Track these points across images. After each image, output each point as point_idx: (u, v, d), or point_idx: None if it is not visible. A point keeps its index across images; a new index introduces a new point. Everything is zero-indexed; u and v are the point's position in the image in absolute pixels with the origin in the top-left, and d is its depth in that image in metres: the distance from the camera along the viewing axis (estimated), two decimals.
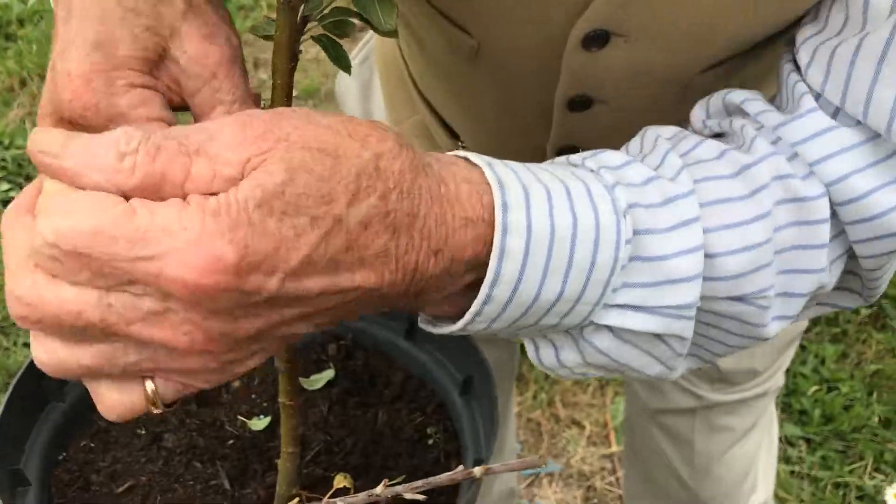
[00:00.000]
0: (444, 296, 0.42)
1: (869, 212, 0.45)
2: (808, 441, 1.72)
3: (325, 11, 0.45)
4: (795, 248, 0.46)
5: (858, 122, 0.46)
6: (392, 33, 0.44)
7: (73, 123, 0.41)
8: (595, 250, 0.41)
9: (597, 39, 0.54)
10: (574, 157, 0.48)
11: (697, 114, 0.53)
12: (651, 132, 0.51)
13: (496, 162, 0.42)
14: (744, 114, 0.50)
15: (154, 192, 0.33)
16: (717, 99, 0.52)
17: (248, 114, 0.35)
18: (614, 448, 1.76)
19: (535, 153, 0.69)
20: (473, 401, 0.67)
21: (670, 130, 0.51)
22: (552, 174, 0.43)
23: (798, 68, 0.50)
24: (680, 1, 0.50)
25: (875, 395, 1.79)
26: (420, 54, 0.70)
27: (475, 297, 0.40)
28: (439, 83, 0.71)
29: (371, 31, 0.95)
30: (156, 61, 0.42)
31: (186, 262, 0.32)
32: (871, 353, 1.87)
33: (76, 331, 0.34)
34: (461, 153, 0.44)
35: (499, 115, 0.67)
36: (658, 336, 0.45)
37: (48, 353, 0.35)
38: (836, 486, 1.65)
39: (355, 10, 0.44)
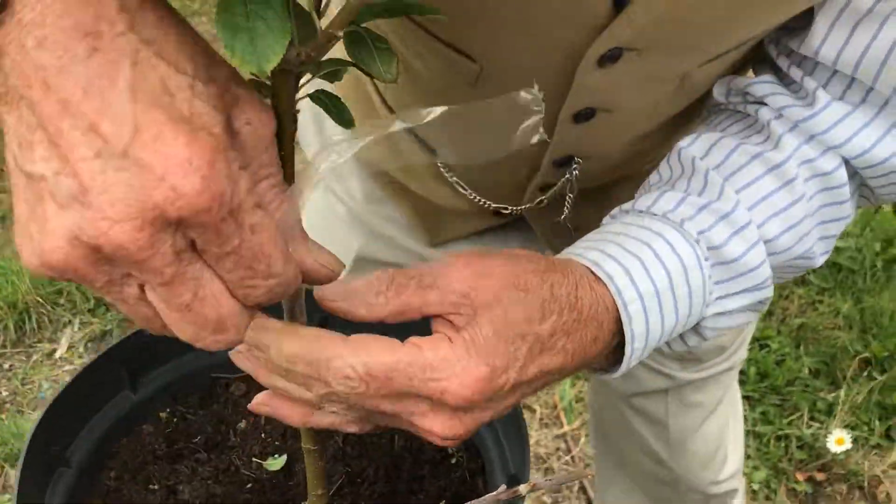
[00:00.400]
0: (604, 356, 0.54)
1: (889, 169, 0.57)
2: (748, 399, 1.80)
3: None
4: (825, 206, 0.59)
5: (863, 100, 0.56)
6: (393, 81, 0.42)
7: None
8: (688, 279, 0.54)
9: (611, 57, 0.54)
10: (640, 206, 0.58)
11: (719, 90, 0.63)
12: (685, 154, 0.59)
13: (601, 260, 0.53)
14: (769, 107, 0.59)
15: (399, 317, 0.47)
16: (738, 83, 0.61)
17: (468, 255, 0.49)
18: (566, 428, 1.79)
19: (527, 165, 0.69)
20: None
21: (701, 147, 0.59)
22: (635, 239, 0.55)
23: (796, 62, 0.57)
24: (694, 13, 0.51)
25: (802, 347, 1.88)
26: (405, 81, 0.68)
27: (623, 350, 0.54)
28: (423, 105, 0.70)
29: None
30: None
31: (463, 382, 0.45)
32: (794, 307, 1.96)
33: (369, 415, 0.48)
34: (584, 261, 0.54)
35: None
36: (753, 303, 0.58)
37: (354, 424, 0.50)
38: (778, 438, 1.73)
39: (351, 60, 0.42)
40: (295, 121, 0.42)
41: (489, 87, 0.60)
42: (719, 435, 1.07)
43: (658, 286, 0.53)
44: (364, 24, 0.41)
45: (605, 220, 0.61)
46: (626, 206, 0.60)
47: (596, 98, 0.59)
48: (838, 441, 1.62)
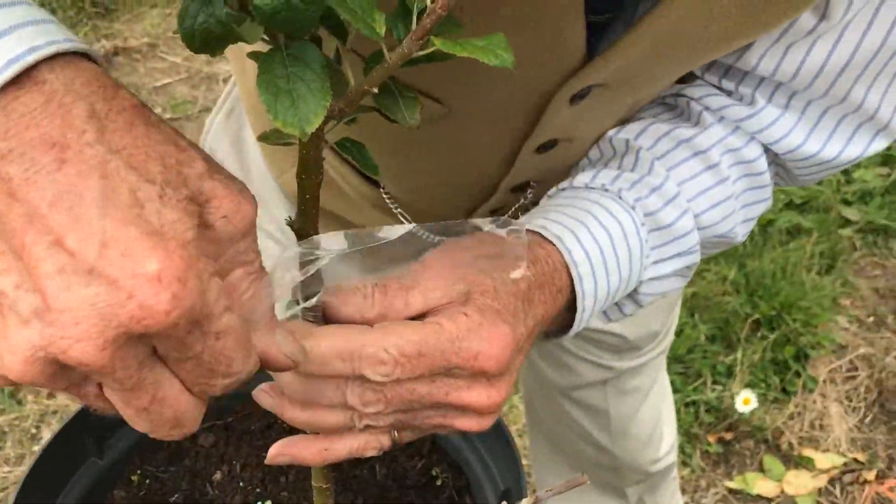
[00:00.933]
0: (557, 317, 0.57)
1: (816, 161, 0.64)
2: None
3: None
4: (748, 190, 0.65)
5: (788, 103, 0.62)
6: (416, 126, 0.43)
7: None
8: (628, 242, 0.59)
9: (581, 95, 0.56)
10: (578, 183, 0.63)
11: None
12: (616, 138, 0.63)
13: (548, 225, 0.57)
14: (702, 104, 0.64)
15: (384, 318, 0.48)
16: (675, 87, 0.66)
17: (434, 253, 0.51)
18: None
19: (482, 193, 0.70)
20: (471, 433, 0.68)
21: (632, 131, 0.63)
22: (577, 209, 0.59)
23: (726, 74, 0.63)
24: (663, 57, 0.54)
25: (697, 316, 1.98)
26: (360, 121, 0.67)
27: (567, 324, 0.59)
28: (373, 143, 0.69)
29: (232, 80, 0.90)
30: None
31: (493, 343, 0.47)
32: None
33: (407, 407, 0.48)
34: (531, 226, 0.57)
35: (454, 166, 0.67)
36: (682, 268, 0.64)
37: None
38: (687, 405, 1.82)
39: (375, 106, 0.43)
40: (321, 170, 0.42)
41: (454, 125, 0.60)
42: (656, 414, 1.11)
43: (602, 247, 0.57)
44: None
45: (543, 200, 0.64)
46: (564, 184, 0.64)
47: (561, 131, 0.61)
48: (745, 401, 1.72)
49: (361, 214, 0.80)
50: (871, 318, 2.02)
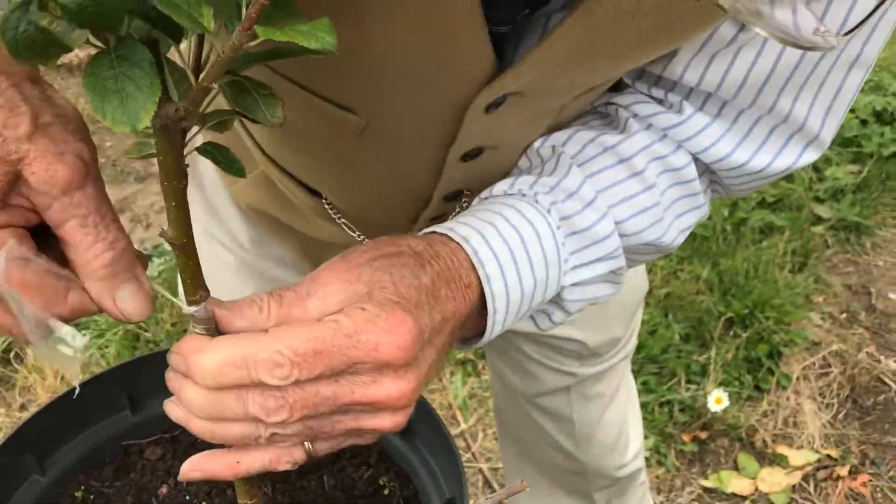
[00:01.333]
0: (470, 319, 0.56)
1: (745, 171, 0.64)
2: None
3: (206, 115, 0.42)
4: (681, 198, 0.65)
5: (719, 113, 0.62)
6: (280, 124, 0.42)
7: None
8: (541, 244, 0.58)
9: (497, 103, 0.56)
10: (496, 191, 0.62)
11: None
12: (544, 146, 0.63)
13: (454, 227, 0.57)
14: (630, 111, 0.64)
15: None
16: (605, 96, 0.66)
17: (330, 262, 0.50)
18: (463, 426, 1.82)
19: (417, 203, 0.70)
20: (417, 440, 0.68)
21: (559, 138, 0.63)
22: (488, 211, 0.59)
23: (655, 83, 0.63)
24: (577, 67, 0.54)
25: (671, 315, 1.99)
26: (283, 135, 0.67)
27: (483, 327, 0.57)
28: (306, 157, 0.69)
29: None
30: (6, 189, 0.43)
31: (392, 332, 0.46)
32: (658, 279, 2.07)
33: (313, 412, 0.46)
34: (439, 230, 0.56)
35: (384, 177, 0.67)
36: (605, 273, 0.62)
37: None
38: (661, 404, 1.83)
39: (237, 109, 0.42)
40: (184, 176, 0.42)
41: (376, 137, 0.60)
42: (620, 420, 1.11)
43: (512, 247, 0.56)
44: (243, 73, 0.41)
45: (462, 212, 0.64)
46: (485, 193, 0.63)
47: (483, 138, 0.61)
48: (717, 400, 1.73)
49: (313, 226, 0.80)
50: (844, 315, 2.03)
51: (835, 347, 1.94)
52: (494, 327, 0.57)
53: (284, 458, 0.48)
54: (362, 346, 0.45)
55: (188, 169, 0.42)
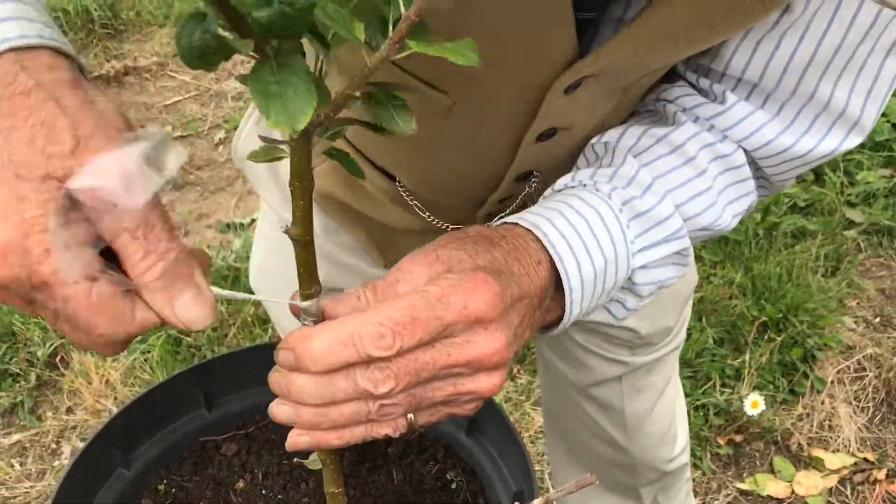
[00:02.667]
0: (545, 308, 0.58)
1: (787, 157, 0.67)
2: None
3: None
4: (731, 185, 0.68)
5: (765, 102, 0.65)
6: (413, 133, 0.45)
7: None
8: (606, 226, 0.61)
9: (575, 85, 0.60)
10: (557, 186, 0.66)
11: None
12: (598, 143, 0.67)
13: (522, 216, 0.60)
14: (677, 105, 0.67)
15: None
16: (653, 91, 0.70)
17: (411, 255, 0.53)
18: None
19: (489, 184, 0.74)
20: (482, 437, 0.71)
21: (613, 135, 0.67)
22: (552, 201, 0.62)
23: (704, 74, 0.67)
24: (652, 50, 0.57)
25: (704, 319, 2.00)
26: None
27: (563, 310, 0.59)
28: (388, 141, 0.73)
29: None
30: (65, 205, 0.43)
31: (477, 290, 0.49)
32: None
33: (416, 379, 0.49)
34: (506, 221, 0.60)
35: (461, 159, 0.70)
36: (671, 254, 0.64)
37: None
38: (696, 408, 1.84)
39: (374, 119, 0.45)
40: (312, 177, 0.45)
41: (460, 118, 0.63)
42: (670, 412, 1.13)
43: (579, 231, 0.59)
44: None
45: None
46: (547, 192, 0.67)
47: (558, 119, 0.65)
48: (753, 404, 1.74)
49: (382, 211, 0.84)
50: (878, 319, 2.03)
51: (869, 351, 1.94)
52: (573, 307, 0.59)
53: (386, 427, 0.51)
54: (453, 306, 0.48)
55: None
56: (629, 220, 0.62)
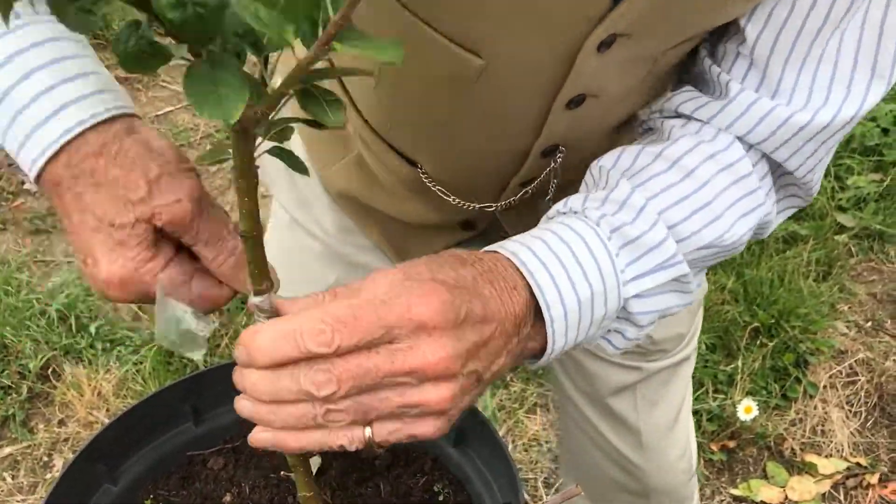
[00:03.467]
0: (526, 336, 0.57)
1: (810, 133, 0.64)
2: None
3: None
4: (742, 198, 0.65)
5: (776, 91, 0.64)
6: (342, 127, 0.47)
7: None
8: (593, 255, 0.59)
9: (607, 42, 0.59)
10: (550, 214, 0.65)
11: (644, 111, 0.72)
12: (595, 167, 0.67)
13: (503, 245, 0.60)
14: (679, 113, 0.67)
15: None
16: (657, 104, 0.70)
17: (383, 269, 0.53)
18: None
19: (514, 161, 0.74)
20: (469, 449, 0.71)
21: (611, 158, 0.67)
22: (538, 230, 0.61)
23: (717, 60, 0.66)
24: (680, 6, 0.58)
25: None
26: (393, 89, 0.70)
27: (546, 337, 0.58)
28: (410, 123, 0.73)
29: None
30: (153, 235, 0.56)
31: (423, 295, 0.49)
32: None
33: (358, 385, 0.49)
34: (494, 247, 0.60)
35: (487, 134, 0.70)
36: (668, 282, 0.62)
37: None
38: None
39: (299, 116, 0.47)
40: (255, 175, 0.47)
41: (490, 83, 0.63)
42: (686, 431, 1.11)
43: (561, 258, 0.58)
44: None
45: None
46: (541, 222, 0.66)
47: (588, 83, 0.64)
48: (746, 409, 1.74)
49: (400, 206, 0.85)
50: (869, 323, 2.04)
51: (861, 356, 1.95)
52: (556, 338, 0.58)
53: (341, 436, 0.51)
54: (396, 307, 0.49)
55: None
56: (619, 248, 0.61)
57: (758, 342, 1.95)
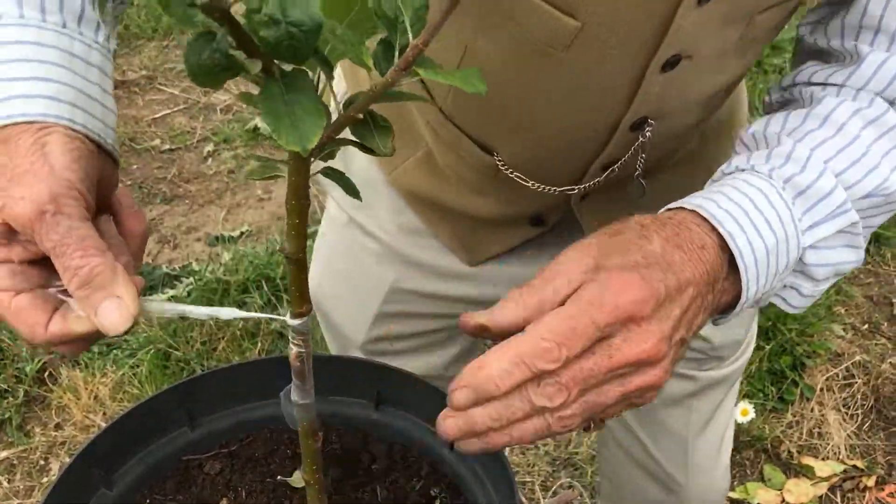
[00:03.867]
0: (720, 290, 0.60)
1: None
2: None
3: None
4: (893, 148, 0.65)
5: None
6: (390, 155, 0.46)
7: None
8: (772, 204, 0.61)
9: None
10: (715, 176, 0.67)
11: (767, 100, 0.75)
12: (746, 135, 0.70)
13: (686, 199, 0.62)
14: (811, 82, 0.69)
15: (540, 310, 0.54)
16: (782, 82, 0.73)
17: (566, 252, 0.56)
18: None
19: (600, 137, 0.73)
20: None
21: (760, 125, 0.69)
22: (719, 186, 0.63)
23: (839, 36, 0.68)
24: None
25: None
26: (475, 65, 0.68)
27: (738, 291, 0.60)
28: (492, 95, 0.73)
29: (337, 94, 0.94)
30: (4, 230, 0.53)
31: (626, 289, 0.52)
32: None
33: (584, 386, 0.53)
34: (675, 205, 0.62)
35: (577, 101, 0.69)
36: (841, 231, 0.64)
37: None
38: None
39: (354, 139, 0.46)
40: (308, 196, 0.46)
41: (584, 48, 0.63)
42: (728, 449, 1.09)
43: (745, 209, 0.60)
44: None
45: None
46: (707, 183, 0.67)
47: (685, 42, 0.64)
48: (743, 412, 1.74)
49: (470, 202, 0.85)
50: (866, 326, 2.04)
51: (858, 358, 1.95)
52: (749, 286, 0.60)
53: (561, 424, 0.54)
54: (605, 307, 0.52)
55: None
56: (793, 198, 0.62)
57: (754, 345, 1.95)
